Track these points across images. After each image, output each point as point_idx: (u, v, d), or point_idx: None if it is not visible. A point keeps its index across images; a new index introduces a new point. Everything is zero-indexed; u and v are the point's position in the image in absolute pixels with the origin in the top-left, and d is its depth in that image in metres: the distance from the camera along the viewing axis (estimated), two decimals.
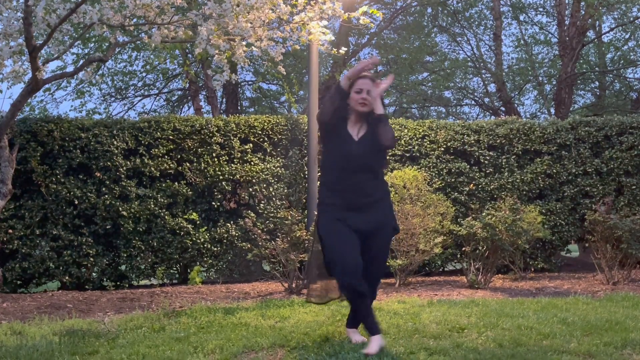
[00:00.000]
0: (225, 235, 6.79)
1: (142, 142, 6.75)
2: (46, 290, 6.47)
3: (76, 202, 6.49)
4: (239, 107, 13.72)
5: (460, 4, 13.97)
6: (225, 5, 4.74)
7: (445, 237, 6.24)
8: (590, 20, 11.83)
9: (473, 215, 6.26)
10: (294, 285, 5.73)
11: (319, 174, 3.49)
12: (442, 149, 7.30)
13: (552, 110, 13.17)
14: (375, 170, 3.34)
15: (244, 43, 5.15)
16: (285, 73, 6.09)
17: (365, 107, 3.30)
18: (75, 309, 5.06)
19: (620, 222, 5.94)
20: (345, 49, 5.83)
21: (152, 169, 6.71)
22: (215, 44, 4.95)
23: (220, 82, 5.14)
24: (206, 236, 6.74)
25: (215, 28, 4.85)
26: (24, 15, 4.76)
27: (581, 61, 13.86)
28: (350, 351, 3.15)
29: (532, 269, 7.16)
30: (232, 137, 6.97)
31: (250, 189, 6.93)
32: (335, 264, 3.23)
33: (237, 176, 6.89)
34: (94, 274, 6.60)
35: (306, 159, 6.74)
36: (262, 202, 6.91)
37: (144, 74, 13.15)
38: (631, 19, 13.05)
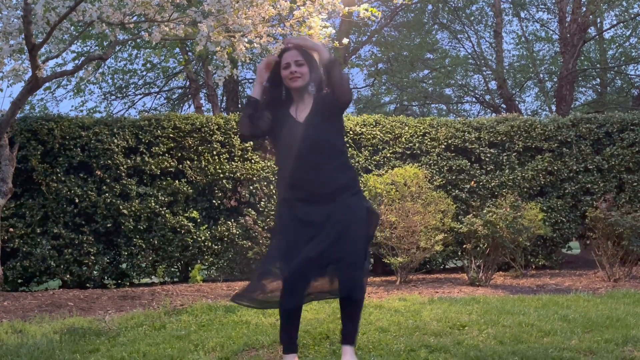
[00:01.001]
0: (226, 234, 6.78)
1: (143, 140, 6.75)
2: (47, 289, 6.47)
3: (77, 201, 6.49)
4: (239, 105, 13.71)
5: (460, 1, 13.95)
6: (225, 0, 4.74)
7: (446, 235, 6.24)
8: (591, 17, 11.81)
9: (474, 213, 6.26)
10: None
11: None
12: (443, 146, 7.29)
13: (553, 107, 13.16)
14: (330, 152, 2.80)
15: (245, 39, 5.14)
16: None
17: (298, 81, 2.81)
18: (76, 307, 5.06)
19: (621, 219, 5.93)
20: (347, 40, 5.81)
21: (153, 167, 6.70)
22: (216, 40, 4.95)
23: (222, 78, 5.13)
24: (207, 234, 6.74)
25: (215, 24, 4.84)
26: (23, 13, 4.76)
27: (582, 58, 13.83)
28: None
29: (533, 266, 7.16)
30: (232, 135, 6.96)
31: (251, 187, 6.93)
32: (277, 260, 2.80)
33: (238, 174, 6.89)
34: (94, 272, 6.60)
35: None
36: (263, 200, 6.91)
37: (144, 72, 13.16)
38: (632, 15, 13.01)
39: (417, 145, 7.27)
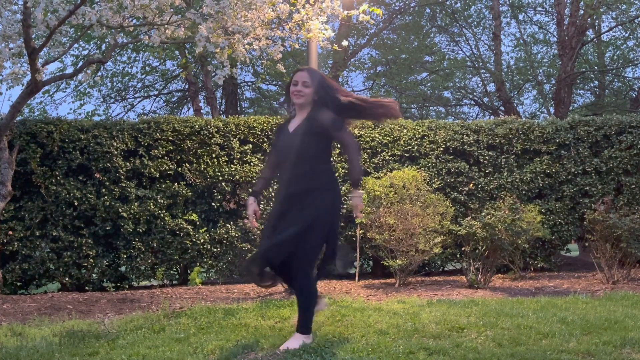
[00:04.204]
0: (225, 236, 6.79)
1: (142, 143, 6.76)
2: (46, 292, 6.48)
3: (76, 203, 6.50)
4: (238, 108, 13.73)
5: (458, 4, 13.99)
6: (223, 2, 4.75)
7: (444, 237, 6.25)
8: (589, 19, 11.84)
9: (472, 215, 6.26)
10: None
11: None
12: (442, 148, 7.30)
13: (552, 110, 13.19)
14: (308, 160, 3.34)
15: (244, 41, 5.16)
16: (284, 71, 6.10)
17: (300, 99, 3.40)
18: (76, 310, 5.06)
19: (620, 221, 5.94)
20: (346, 43, 5.82)
21: (152, 170, 6.71)
22: (215, 42, 4.96)
23: (222, 77, 5.13)
24: (206, 237, 6.75)
25: (214, 26, 4.86)
26: (23, 17, 4.77)
27: (580, 60, 13.87)
28: (349, 351, 3.16)
29: (532, 269, 7.17)
30: (231, 138, 6.97)
31: (250, 190, 6.93)
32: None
33: (237, 177, 6.90)
34: (94, 275, 6.59)
35: None
36: (262, 202, 6.91)
37: (143, 76, 13.17)
38: (630, 18, 13.05)
39: (415, 147, 7.29)
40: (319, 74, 3.53)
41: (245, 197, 6.94)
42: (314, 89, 3.40)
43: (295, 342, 3.26)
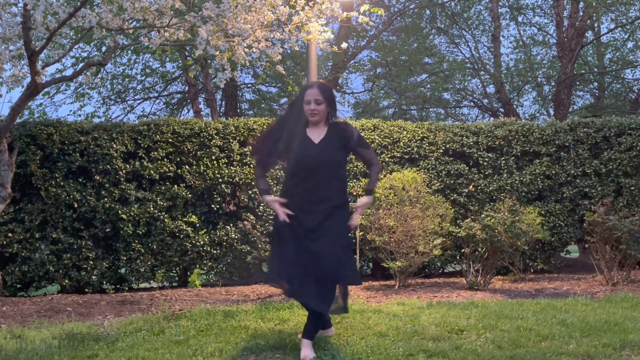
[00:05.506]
0: (225, 238, 6.79)
1: (142, 145, 6.76)
2: (46, 294, 6.47)
3: (76, 205, 6.50)
4: (238, 110, 13.74)
5: (458, 6, 14.02)
6: (224, 5, 4.76)
7: (444, 239, 6.25)
8: (589, 21, 11.85)
9: (472, 217, 6.27)
10: None
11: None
12: (441, 150, 7.31)
13: (551, 111, 13.20)
14: (336, 172, 3.42)
15: (244, 44, 5.16)
16: (284, 72, 6.11)
17: (316, 117, 3.41)
18: (75, 312, 5.06)
19: (620, 223, 5.94)
20: (346, 45, 5.82)
21: (152, 171, 6.71)
22: (215, 45, 4.97)
23: (223, 80, 5.14)
24: (206, 239, 6.75)
25: (214, 29, 4.86)
26: (22, 19, 4.78)
27: (580, 62, 13.88)
28: (348, 354, 3.16)
29: (532, 270, 7.17)
30: (231, 140, 6.97)
31: (250, 192, 6.94)
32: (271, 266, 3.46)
33: (237, 179, 6.90)
34: (93, 277, 6.59)
35: None
36: (262, 204, 6.91)
37: (143, 77, 13.17)
38: (630, 19, 13.07)
39: (415, 149, 7.29)
40: (328, 86, 3.55)
41: (245, 199, 6.94)
42: (327, 104, 3.43)
43: (310, 350, 3.25)
